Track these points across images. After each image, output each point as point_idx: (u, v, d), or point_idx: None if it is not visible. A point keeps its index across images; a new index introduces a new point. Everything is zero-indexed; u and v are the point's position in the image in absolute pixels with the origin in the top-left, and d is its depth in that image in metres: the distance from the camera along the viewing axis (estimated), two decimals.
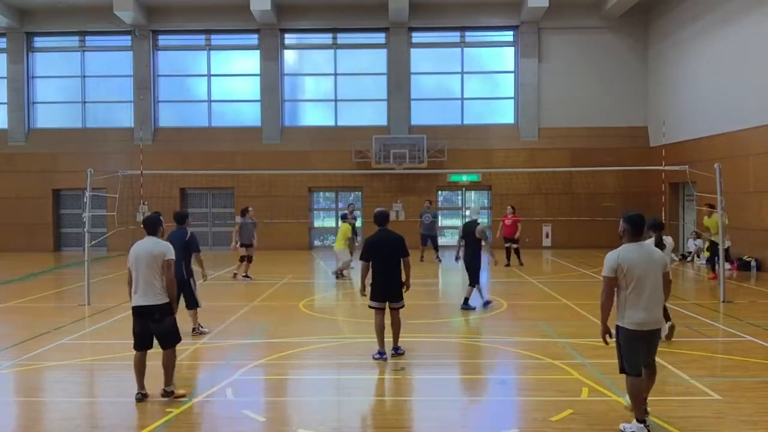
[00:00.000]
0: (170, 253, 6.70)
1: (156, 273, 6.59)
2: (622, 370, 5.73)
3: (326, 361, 8.53)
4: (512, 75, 25.82)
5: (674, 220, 22.23)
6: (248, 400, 6.87)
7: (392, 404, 6.93)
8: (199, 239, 10.35)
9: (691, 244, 20.48)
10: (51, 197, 25.48)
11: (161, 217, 7.13)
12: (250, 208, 16.71)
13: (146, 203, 20.96)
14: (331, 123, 26.04)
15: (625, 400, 6.30)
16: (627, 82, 24.99)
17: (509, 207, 19.29)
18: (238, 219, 16.66)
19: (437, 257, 20.55)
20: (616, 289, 5.66)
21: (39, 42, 26.35)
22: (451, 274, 18.75)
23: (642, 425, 5.61)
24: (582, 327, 10.14)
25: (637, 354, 5.64)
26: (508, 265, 18.47)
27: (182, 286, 8.95)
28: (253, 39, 25.89)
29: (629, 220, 5.72)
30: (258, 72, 25.68)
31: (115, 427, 6.07)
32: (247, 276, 16.21)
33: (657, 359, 8.05)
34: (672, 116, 22.09)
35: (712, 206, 14.83)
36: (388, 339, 8.40)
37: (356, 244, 20.50)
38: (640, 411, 5.66)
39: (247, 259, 16.24)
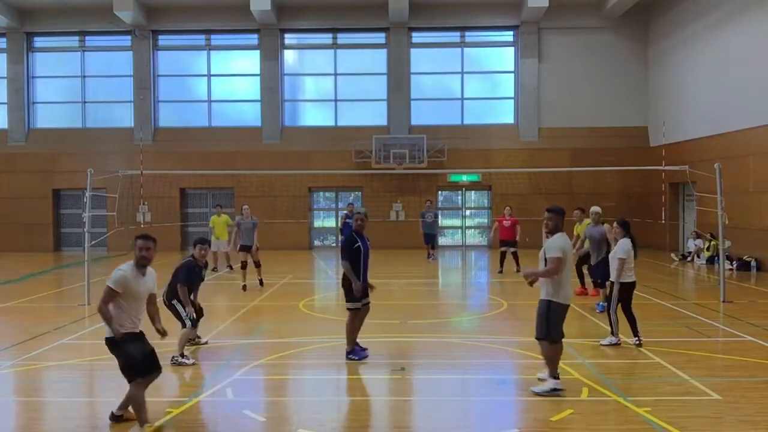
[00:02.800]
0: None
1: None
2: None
3: (326, 361, 8.52)
4: (512, 75, 25.82)
5: (674, 220, 22.22)
6: (248, 400, 6.86)
7: (392, 404, 6.92)
8: None
9: (691, 244, 20.48)
10: (51, 197, 25.47)
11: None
12: (244, 207, 15.27)
13: (146, 203, 20.94)
14: (331, 123, 26.05)
15: (627, 404, 6.32)
16: (627, 81, 24.98)
17: (507, 207, 17.72)
18: (237, 219, 15.41)
19: (433, 256, 20.52)
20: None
21: (39, 42, 26.34)
22: (451, 274, 18.75)
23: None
24: (582, 327, 10.13)
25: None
26: (501, 271, 17.00)
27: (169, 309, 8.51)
28: (253, 39, 25.89)
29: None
30: (258, 72, 25.68)
31: (115, 426, 6.07)
32: (261, 280, 14.92)
33: (656, 359, 8.12)
34: (672, 116, 22.08)
35: (583, 210, 13.19)
36: (366, 339, 8.38)
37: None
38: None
39: (255, 264, 14.73)
